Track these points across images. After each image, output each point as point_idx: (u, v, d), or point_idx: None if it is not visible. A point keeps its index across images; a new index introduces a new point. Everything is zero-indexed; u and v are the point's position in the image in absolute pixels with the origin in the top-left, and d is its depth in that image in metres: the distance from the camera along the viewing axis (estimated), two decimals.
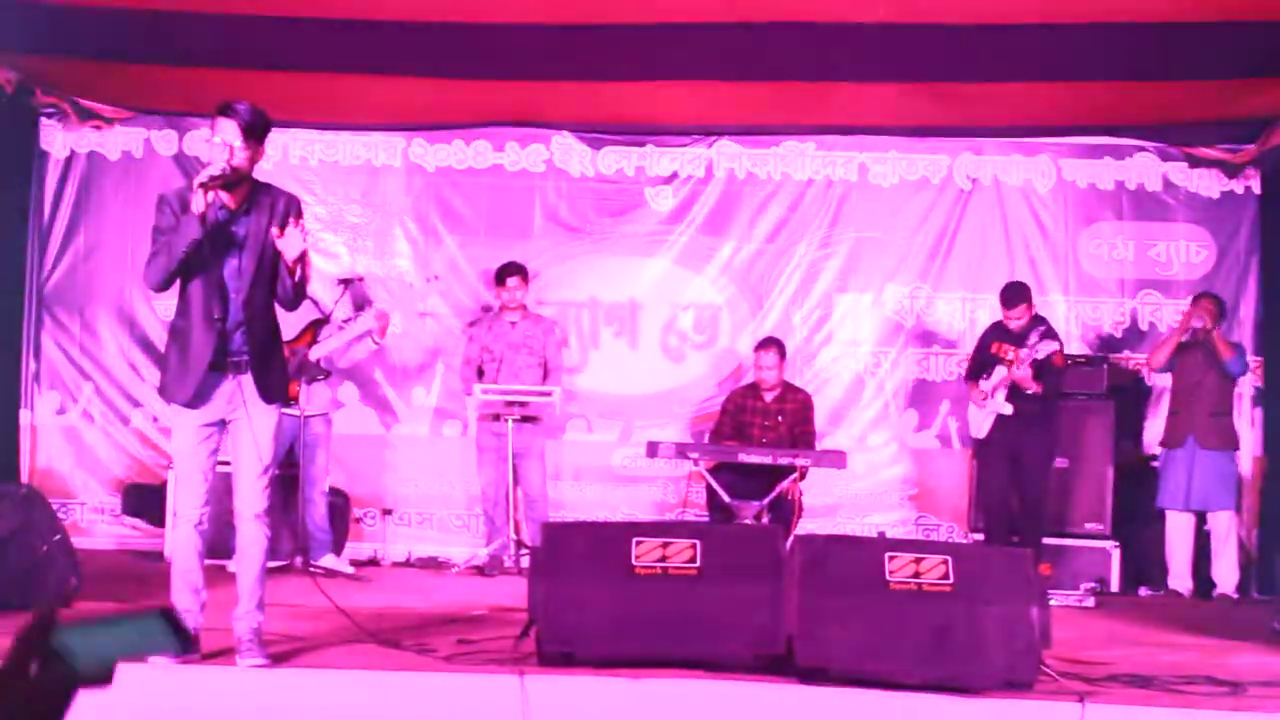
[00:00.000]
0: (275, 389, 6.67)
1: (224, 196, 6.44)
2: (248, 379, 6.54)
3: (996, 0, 9.12)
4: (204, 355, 6.46)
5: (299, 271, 6.57)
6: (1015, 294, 10.59)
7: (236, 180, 6.45)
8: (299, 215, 6.65)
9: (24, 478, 11.55)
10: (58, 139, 11.98)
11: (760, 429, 10.88)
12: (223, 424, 6.59)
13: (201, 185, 6.32)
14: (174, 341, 6.65)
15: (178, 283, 6.53)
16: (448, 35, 9.83)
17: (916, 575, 6.50)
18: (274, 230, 6.46)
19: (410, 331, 11.95)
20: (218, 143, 6.42)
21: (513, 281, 10.97)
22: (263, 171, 6.90)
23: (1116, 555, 10.67)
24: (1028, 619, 6.44)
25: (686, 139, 12.08)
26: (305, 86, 10.62)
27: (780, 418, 10.92)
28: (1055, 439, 10.56)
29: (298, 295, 6.71)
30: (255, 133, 6.51)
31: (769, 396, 10.97)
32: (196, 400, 6.50)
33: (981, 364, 10.64)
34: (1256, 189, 11.85)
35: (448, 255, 12.01)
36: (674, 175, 12.09)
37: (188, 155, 11.70)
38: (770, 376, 10.93)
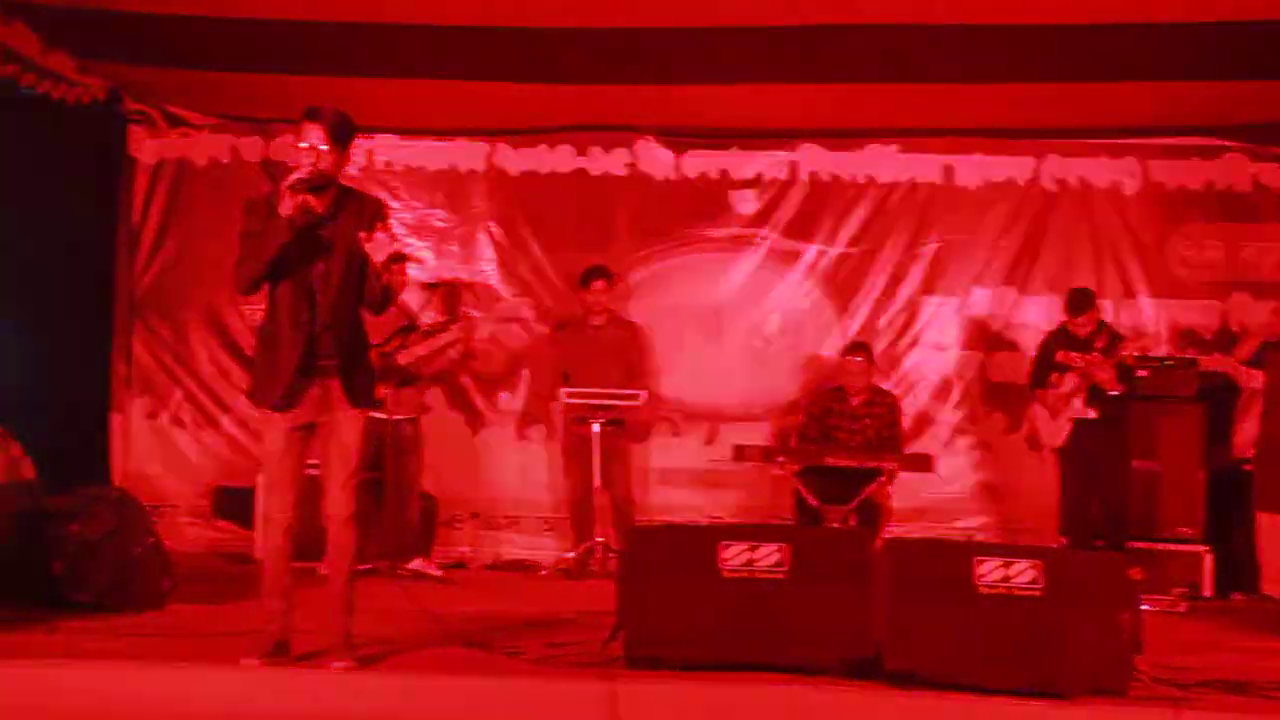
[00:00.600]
0: (362, 393, 6.69)
1: (311, 200, 6.47)
2: (335, 383, 6.57)
3: (1082, 1, 9.03)
4: (292, 359, 6.48)
5: (385, 275, 6.60)
6: (1083, 300, 10.54)
7: (323, 184, 6.47)
8: (385, 219, 6.68)
9: (116, 481, 11.65)
10: (146, 146, 12.10)
11: (847, 432, 10.84)
12: (311, 427, 6.62)
13: (289, 188, 6.35)
14: (262, 345, 6.69)
15: (266, 287, 6.57)
16: (530, 40, 9.84)
17: (1006, 579, 6.46)
18: (361, 234, 6.48)
19: (496, 336, 11.98)
20: (304, 147, 6.45)
21: (598, 285, 10.98)
22: (347, 177, 6.91)
23: (1209, 560, 10.56)
24: (1119, 624, 6.39)
25: (770, 142, 12.04)
26: (389, 92, 10.67)
27: (868, 421, 10.88)
28: (1130, 441, 10.46)
29: (385, 299, 6.74)
30: (341, 137, 6.55)
31: (856, 400, 10.93)
32: (285, 403, 6.53)
33: (1045, 372, 10.59)
34: None
35: (532, 259, 12.03)
36: (758, 178, 12.07)
37: (274, 161, 11.78)
38: (858, 380, 10.89)
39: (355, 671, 6.43)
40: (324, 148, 6.45)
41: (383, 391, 9.61)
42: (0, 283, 10.73)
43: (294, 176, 6.40)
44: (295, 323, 6.49)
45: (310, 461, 6.72)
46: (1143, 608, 7.12)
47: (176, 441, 12.05)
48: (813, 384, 11.80)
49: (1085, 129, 11.74)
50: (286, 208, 6.33)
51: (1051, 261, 11.86)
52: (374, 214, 6.64)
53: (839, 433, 10.87)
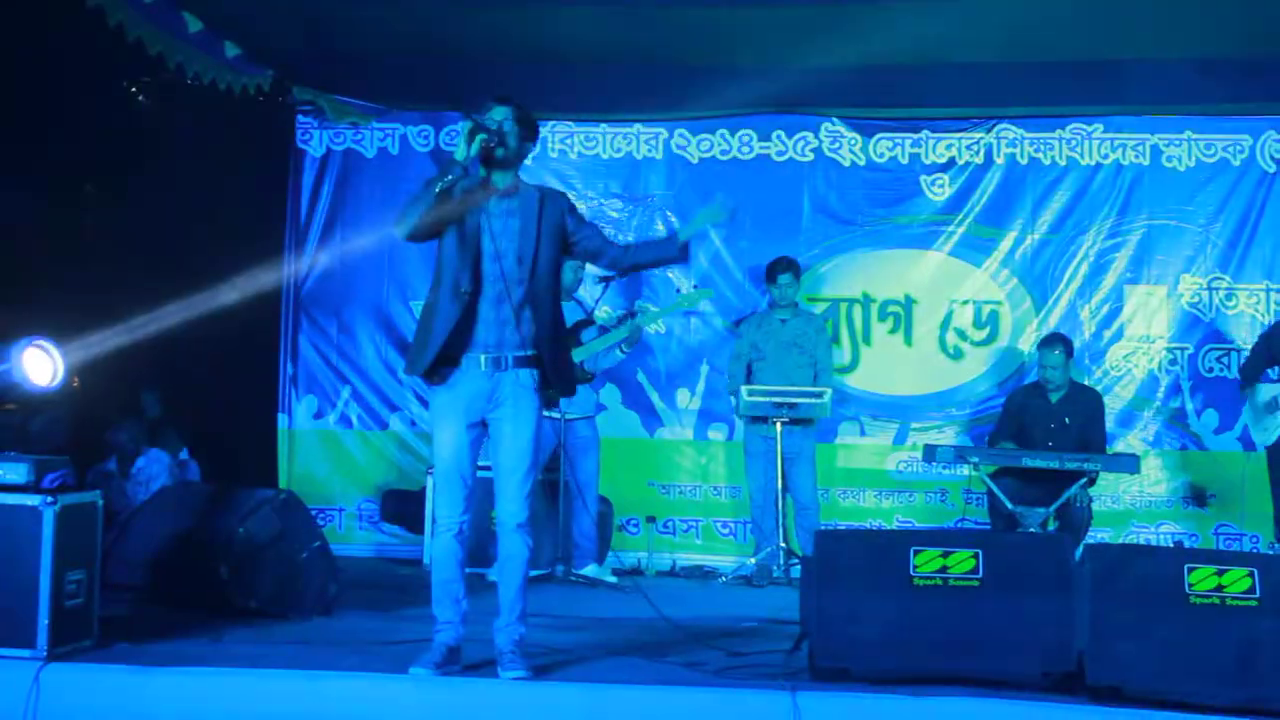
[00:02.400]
0: (554, 388, 6.78)
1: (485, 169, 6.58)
2: (519, 375, 6.62)
3: None
4: (445, 328, 6.56)
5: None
6: None
7: (501, 151, 6.57)
8: (572, 209, 6.76)
9: (282, 483, 11.86)
10: (314, 137, 12.34)
11: (1045, 431, 10.70)
12: (484, 426, 6.68)
13: (467, 119, 6.48)
14: (423, 315, 6.75)
15: (435, 260, 6.67)
16: (706, 21, 9.86)
17: (1219, 588, 6.34)
18: (560, 218, 6.67)
19: (674, 331, 12.02)
20: (494, 123, 6.54)
21: (785, 278, 10.95)
22: (524, 168, 6.97)
23: None
24: None
25: (964, 123, 12.00)
26: (564, 77, 10.75)
27: (1067, 419, 10.74)
28: None
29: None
30: (527, 124, 6.67)
31: (1055, 397, 10.80)
32: (432, 375, 6.62)
33: (1261, 366, 10.39)
34: None
35: (712, 250, 12.06)
36: (951, 162, 12.01)
37: (445, 151, 11.93)
38: (1056, 376, 10.75)
39: (529, 681, 6.48)
40: (510, 124, 6.55)
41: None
42: (170, 285, 11.01)
43: (472, 120, 6.50)
44: (455, 293, 6.55)
45: (483, 463, 6.78)
46: None
47: (343, 442, 12.24)
48: (1009, 380, 11.71)
49: None
50: (461, 150, 6.44)
51: (1269, 246, 11.69)
52: (559, 204, 6.76)
53: (1036, 431, 10.74)
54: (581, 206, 11.44)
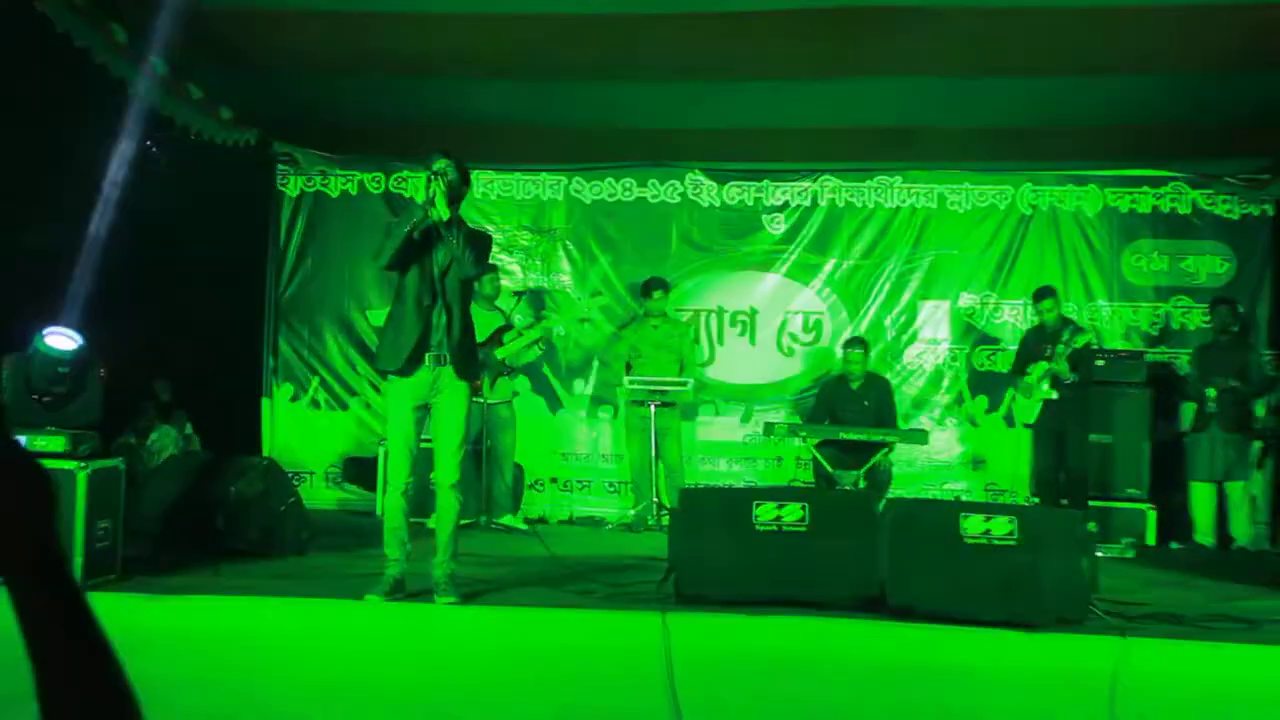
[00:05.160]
0: (470, 375, 6.78)
1: (440, 210, 6.60)
2: (449, 369, 6.66)
3: (1051, 54, 9.00)
4: (413, 333, 6.61)
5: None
6: (1042, 292, 10.58)
7: (452, 194, 6.63)
8: (473, 245, 6.77)
9: (265, 452, 11.80)
10: (290, 182, 12.25)
11: (850, 411, 10.82)
12: (426, 408, 6.71)
13: (432, 170, 6.55)
14: (390, 323, 6.78)
15: (398, 280, 6.70)
16: (601, 93, 9.89)
17: (987, 532, 6.47)
18: (469, 250, 6.64)
19: (572, 334, 12.05)
20: (438, 169, 6.57)
21: (657, 294, 11.00)
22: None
23: (1152, 515, 10.56)
24: (1079, 568, 6.40)
25: (796, 174, 12.05)
26: (486, 136, 10.73)
27: (866, 402, 10.88)
28: (1090, 418, 10.44)
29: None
30: (463, 171, 6.75)
31: (855, 385, 10.93)
32: (406, 371, 6.65)
33: (1022, 362, 10.60)
34: (1271, 213, 11.68)
35: (601, 271, 12.09)
36: (786, 204, 12.07)
37: (393, 193, 11.91)
38: (856, 369, 10.92)
39: (459, 605, 6.50)
40: (453, 173, 6.59)
41: (481, 381, 9.70)
42: (177, 296, 10.93)
43: (436, 168, 6.59)
44: (419, 306, 6.60)
45: (425, 436, 6.79)
46: (1098, 554, 7.12)
47: (313, 420, 12.16)
48: (825, 373, 11.83)
49: (1055, 163, 11.74)
50: (421, 194, 6.53)
51: (1026, 271, 11.82)
52: (483, 242, 6.76)
53: (843, 412, 10.86)
54: (500, 238, 11.50)
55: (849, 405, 10.89)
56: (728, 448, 12.00)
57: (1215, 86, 9.28)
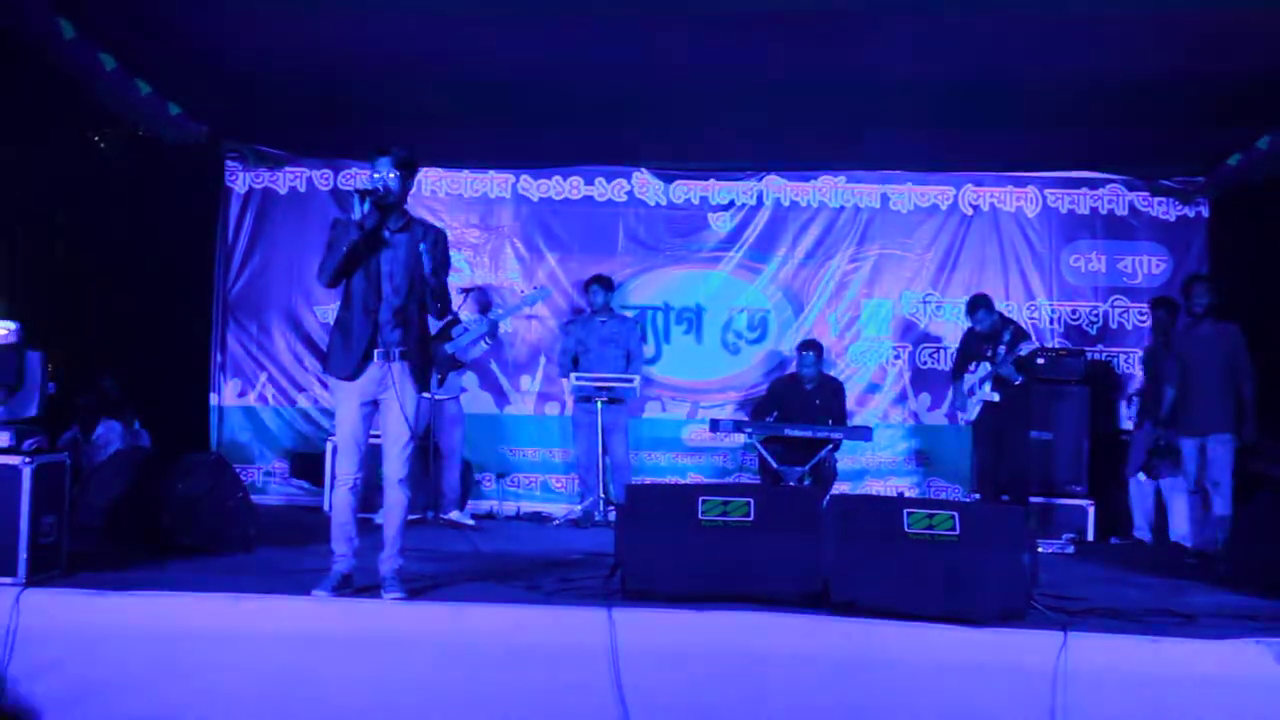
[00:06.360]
0: (422, 376, 6.72)
1: (379, 215, 6.51)
2: (399, 366, 6.59)
3: (993, 60, 9.03)
4: (362, 338, 6.54)
5: (441, 288, 6.67)
6: (974, 303, 10.69)
7: (388, 200, 6.52)
8: (445, 245, 6.72)
9: (213, 447, 11.72)
10: (239, 178, 12.16)
11: (801, 411, 10.84)
12: (375, 404, 6.65)
13: (357, 191, 6.45)
14: (338, 328, 6.68)
15: (344, 286, 6.61)
16: (547, 92, 9.84)
17: (930, 527, 6.46)
18: (421, 250, 6.56)
19: (519, 330, 12.01)
20: (377, 176, 6.49)
21: (600, 290, 11.00)
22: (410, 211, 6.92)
23: (1092, 511, 10.63)
24: (1020, 563, 6.40)
25: (742, 174, 12.07)
26: (435, 133, 10.65)
27: (818, 402, 10.90)
28: (1030, 418, 10.51)
29: (443, 306, 6.80)
30: (407, 166, 6.61)
31: (809, 386, 10.96)
32: (355, 375, 6.57)
33: (963, 362, 10.66)
34: (1205, 214, 11.83)
35: (548, 269, 12.05)
36: (731, 203, 12.08)
37: (342, 190, 11.82)
38: (809, 371, 10.94)
39: (405, 601, 6.45)
40: (392, 174, 6.50)
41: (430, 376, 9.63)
42: (125, 292, 10.81)
43: (362, 181, 6.50)
44: (365, 310, 6.53)
45: (373, 432, 6.74)
46: (1039, 550, 7.14)
47: (261, 416, 12.07)
48: (774, 371, 11.84)
49: (996, 165, 11.83)
50: (356, 211, 6.42)
51: (968, 271, 11.91)
52: (436, 238, 6.68)
53: (794, 412, 10.88)
54: (447, 233, 11.46)
55: (801, 405, 10.89)
56: (674, 444, 11.99)
57: (1154, 93, 9.33)
